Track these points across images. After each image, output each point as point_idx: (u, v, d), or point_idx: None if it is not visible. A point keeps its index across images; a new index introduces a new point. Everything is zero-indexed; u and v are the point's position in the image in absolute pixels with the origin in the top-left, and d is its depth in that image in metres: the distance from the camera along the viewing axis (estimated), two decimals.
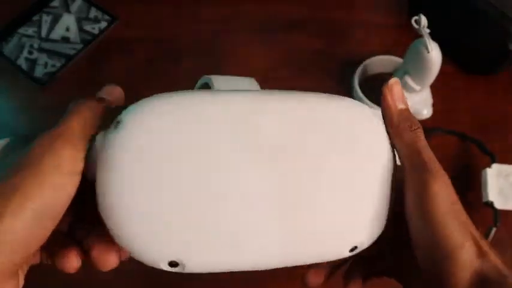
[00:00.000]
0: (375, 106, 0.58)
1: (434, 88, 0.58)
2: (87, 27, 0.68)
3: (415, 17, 0.48)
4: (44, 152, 0.24)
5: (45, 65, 0.64)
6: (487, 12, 0.55)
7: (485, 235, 0.51)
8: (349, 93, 0.62)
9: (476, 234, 0.26)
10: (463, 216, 0.26)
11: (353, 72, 0.61)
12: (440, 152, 0.56)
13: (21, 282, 0.24)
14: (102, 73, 0.65)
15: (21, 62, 0.65)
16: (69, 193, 0.23)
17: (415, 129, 0.27)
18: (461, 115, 0.61)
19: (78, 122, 0.26)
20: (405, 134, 0.27)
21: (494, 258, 0.26)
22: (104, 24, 0.68)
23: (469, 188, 0.56)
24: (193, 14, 0.69)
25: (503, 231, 0.53)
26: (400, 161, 0.26)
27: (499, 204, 0.52)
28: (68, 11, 0.69)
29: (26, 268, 0.25)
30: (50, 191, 0.22)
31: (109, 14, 0.69)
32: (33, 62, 0.65)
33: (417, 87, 0.55)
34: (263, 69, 0.64)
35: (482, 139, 0.58)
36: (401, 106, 0.28)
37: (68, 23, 0.68)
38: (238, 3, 0.70)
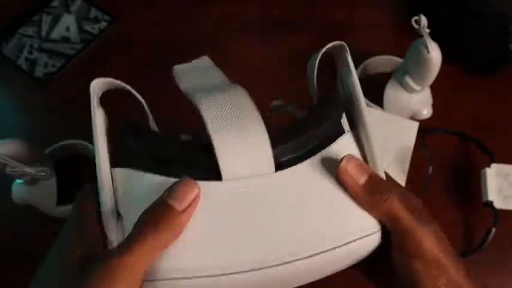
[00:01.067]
0: (375, 106, 0.58)
1: (434, 88, 0.58)
2: (87, 27, 0.68)
3: (415, 17, 0.48)
4: None
5: (45, 65, 0.64)
6: (487, 12, 0.55)
7: (485, 235, 0.52)
8: None
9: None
10: (445, 261, 0.27)
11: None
12: (440, 152, 0.57)
13: None
14: (102, 73, 0.64)
15: (21, 62, 0.65)
16: None
17: (386, 199, 0.26)
18: (461, 115, 0.61)
19: (141, 254, 0.22)
20: (378, 207, 0.26)
21: None
22: (103, 24, 0.68)
23: (468, 188, 0.56)
24: (194, 14, 0.69)
25: (503, 231, 0.53)
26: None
27: (498, 204, 0.52)
28: (68, 11, 0.69)
29: None
30: None
31: (109, 14, 0.69)
32: (33, 62, 0.65)
33: (417, 87, 0.55)
34: (263, 69, 0.64)
35: (482, 139, 0.58)
36: (362, 180, 0.26)
37: (68, 23, 0.68)
38: (239, 3, 0.70)
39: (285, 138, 0.27)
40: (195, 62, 0.31)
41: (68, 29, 0.67)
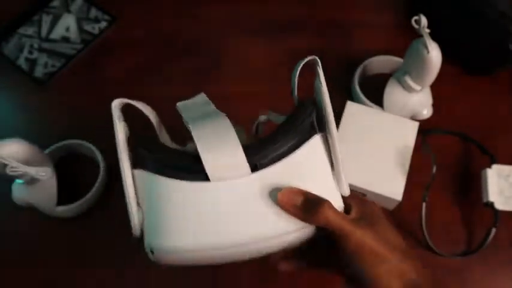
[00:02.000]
0: (375, 106, 0.58)
1: (434, 88, 0.58)
2: (87, 27, 0.68)
3: (415, 17, 0.48)
4: None
5: (45, 64, 0.64)
6: (487, 12, 0.55)
7: (485, 235, 0.52)
8: (349, 93, 0.62)
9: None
10: (383, 248, 0.32)
11: (353, 72, 0.61)
12: (440, 152, 0.57)
13: None
14: (102, 73, 0.65)
15: (21, 62, 0.65)
16: None
17: (320, 212, 0.32)
18: (461, 115, 0.61)
19: None
20: (315, 219, 0.32)
21: None
22: (103, 24, 0.68)
23: (469, 189, 0.56)
24: (193, 14, 0.69)
25: (503, 231, 0.53)
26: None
27: (499, 205, 0.52)
28: (68, 11, 0.69)
29: None
30: None
31: (109, 14, 0.69)
32: (33, 62, 0.65)
33: (417, 87, 0.55)
34: (263, 69, 0.64)
35: (482, 139, 0.58)
36: (299, 201, 0.32)
37: (68, 23, 0.68)
38: (238, 3, 0.70)
39: (264, 143, 0.34)
40: (194, 99, 0.39)
41: (68, 29, 0.67)
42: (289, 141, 0.34)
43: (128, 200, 0.34)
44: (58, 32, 0.67)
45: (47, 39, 0.67)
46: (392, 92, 0.57)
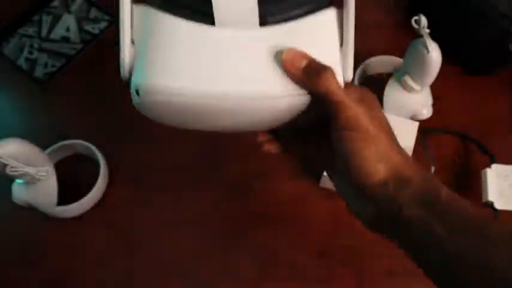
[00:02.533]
0: None
1: (435, 88, 0.58)
2: (87, 27, 0.68)
3: (415, 17, 0.48)
4: None
5: (45, 65, 0.64)
6: (487, 12, 0.55)
7: None
8: None
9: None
10: (375, 133, 0.31)
11: (353, 72, 0.61)
12: (440, 152, 0.57)
13: None
14: (102, 73, 0.65)
15: (22, 62, 0.65)
16: None
17: (323, 77, 0.31)
18: (461, 115, 0.61)
19: None
20: (317, 83, 0.31)
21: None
22: (104, 24, 0.68)
23: (469, 188, 0.56)
24: None
25: None
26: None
27: (499, 205, 0.52)
28: (68, 11, 0.69)
29: None
30: None
31: (109, 14, 0.69)
32: (33, 62, 0.65)
33: (417, 87, 0.55)
34: None
35: (482, 139, 0.58)
36: (303, 64, 0.31)
37: (68, 23, 0.68)
38: None
39: (275, 0, 0.32)
40: None
41: (68, 29, 0.67)
42: (305, 5, 0.33)
43: (121, 33, 0.32)
44: (58, 32, 0.67)
45: (47, 39, 0.67)
46: (392, 92, 0.57)
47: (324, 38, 0.34)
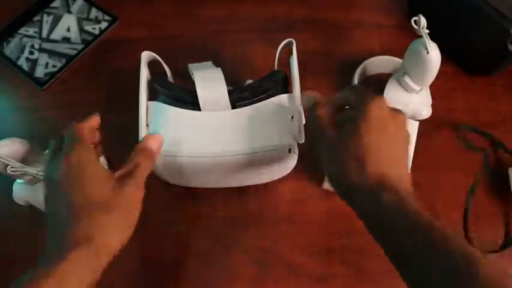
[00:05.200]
0: None
1: (434, 88, 0.58)
2: (88, 27, 0.68)
3: (415, 18, 0.49)
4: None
5: (46, 65, 0.65)
6: (487, 12, 0.55)
7: None
8: None
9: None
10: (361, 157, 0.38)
11: (353, 72, 0.61)
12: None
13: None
14: (103, 73, 0.65)
15: (22, 62, 0.65)
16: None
17: (320, 109, 0.42)
18: (460, 115, 0.61)
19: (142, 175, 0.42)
20: (312, 114, 0.43)
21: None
22: (104, 25, 0.68)
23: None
24: (193, 14, 0.69)
25: None
26: None
27: None
28: (69, 11, 0.69)
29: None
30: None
31: (109, 15, 0.69)
32: (34, 62, 0.65)
33: (417, 87, 0.55)
34: (263, 69, 0.64)
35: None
36: (311, 103, 0.44)
37: (68, 24, 0.68)
38: (238, 3, 0.70)
39: (242, 90, 0.49)
40: (202, 63, 0.53)
41: (68, 29, 0.68)
42: (262, 93, 0.49)
43: (140, 121, 0.47)
44: (59, 33, 0.67)
45: (48, 40, 0.67)
46: (392, 92, 0.57)
47: (279, 114, 0.48)
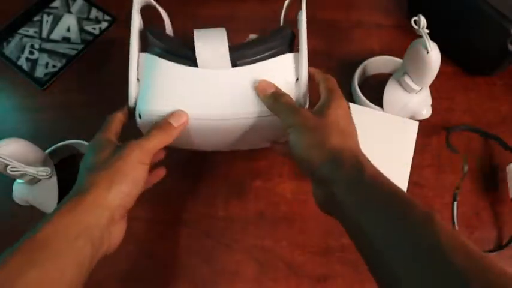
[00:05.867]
0: (375, 106, 0.58)
1: (434, 88, 0.58)
2: (88, 27, 0.68)
3: (415, 18, 0.49)
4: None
5: (46, 65, 0.65)
6: (487, 12, 0.55)
7: None
8: (349, 93, 0.62)
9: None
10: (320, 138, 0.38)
11: (353, 72, 0.61)
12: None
13: (125, 224, 0.41)
14: (103, 73, 0.65)
15: (22, 62, 0.65)
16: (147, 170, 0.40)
17: (281, 97, 0.41)
18: (460, 115, 0.61)
19: (150, 143, 0.40)
20: (277, 102, 0.41)
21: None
22: (104, 25, 0.68)
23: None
24: (194, 13, 0.69)
25: None
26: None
27: None
28: (69, 11, 0.69)
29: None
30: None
31: (109, 15, 0.69)
32: (34, 62, 0.65)
33: (417, 87, 0.55)
34: None
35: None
36: (271, 90, 0.42)
37: (68, 24, 0.68)
38: (239, 2, 0.70)
39: (246, 47, 0.44)
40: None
41: (68, 29, 0.68)
42: (266, 51, 0.44)
43: (130, 74, 0.43)
44: (59, 33, 0.67)
45: (48, 40, 0.67)
46: (392, 92, 0.57)
47: (282, 75, 0.44)
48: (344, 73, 0.63)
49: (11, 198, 0.54)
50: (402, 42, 0.58)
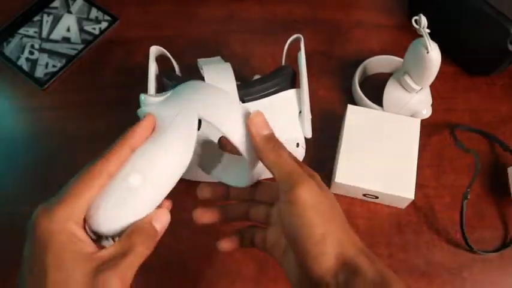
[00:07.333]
0: (375, 105, 0.58)
1: (434, 88, 0.58)
2: (88, 27, 0.68)
3: (415, 17, 0.49)
4: None
5: (46, 65, 0.65)
6: (487, 12, 0.55)
7: None
8: (349, 93, 0.62)
9: (343, 228, 0.32)
10: (328, 213, 0.31)
11: (353, 72, 0.61)
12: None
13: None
14: (103, 73, 0.65)
15: (22, 63, 0.65)
16: None
17: (277, 149, 0.32)
18: (460, 115, 0.61)
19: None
20: (269, 155, 0.32)
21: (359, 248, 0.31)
22: (104, 25, 0.68)
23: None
24: (193, 14, 0.69)
25: None
26: (272, 175, 0.32)
27: None
28: (69, 11, 0.69)
29: None
30: None
31: (109, 15, 0.69)
32: (34, 62, 0.65)
33: (417, 87, 0.55)
34: (263, 69, 0.64)
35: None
36: (266, 132, 0.33)
37: (68, 24, 0.68)
38: (238, 3, 0.70)
39: (251, 85, 0.48)
40: (210, 58, 0.52)
41: (68, 30, 0.68)
42: (270, 87, 0.49)
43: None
44: (59, 33, 0.67)
45: (48, 40, 0.67)
46: (392, 92, 0.57)
47: (286, 109, 0.49)
48: (344, 73, 0.63)
49: (11, 198, 0.54)
50: (402, 42, 0.58)
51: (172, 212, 0.57)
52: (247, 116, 0.33)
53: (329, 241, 0.29)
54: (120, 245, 0.29)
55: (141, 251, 0.30)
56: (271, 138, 0.32)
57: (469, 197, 0.52)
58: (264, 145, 0.32)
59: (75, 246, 0.28)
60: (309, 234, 0.29)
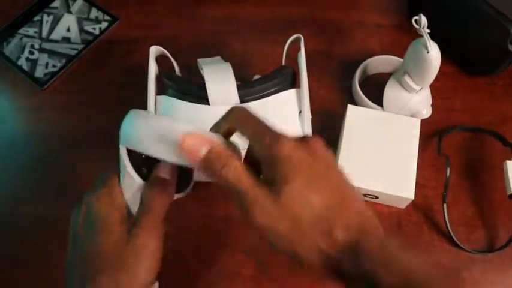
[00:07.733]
0: (375, 105, 0.58)
1: (434, 88, 0.58)
2: (88, 27, 0.68)
3: (415, 17, 0.49)
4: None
5: (46, 65, 0.65)
6: (487, 12, 0.55)
7: None
8: (349, 93, 0.62)
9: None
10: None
11: (353, 72, 0.61)
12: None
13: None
14: (103, 73, 0.65)
15: (22, 63, 0.65)
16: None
17: (222, 167, 0.30)
18: (460, 115, 0.61)
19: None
20: (219, 176, 0.30)
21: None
22: (104, 25, 0.68)
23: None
24: (193, 14, 0.69)
25: None
26: None
27: None
28: (69, 11, 0.69)
29: None
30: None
31: (109, 15, 0.69)
32: (34, 62, 0.65)
33: (417, 87, 0.55)
34: (263, 69, 0.64)
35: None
36: (203, 151, 0.30)
37: (68, 24, 0.68)
38: (239, 3, 0.70)
39: (251, 85, 0.49)
40: (210, 58, 0.53)
41: (68, 30, 0.68)
42: (270, 87, 0.49)
43: (149, 111, 0.48)
44: (59, 33, 0.67)
45: (48, 40, 0.67)
46: (392, 92, 0.57)
47: (287, 109, 0.49)
48: (344, 73, 0.63)
49: (11, 198, 0.54)
50: (402, 42, 0.58)
51: (173, 212, 0.57)
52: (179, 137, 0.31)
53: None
54: (141, 206, 0.35)
55: (158, 204, 0.35)
56: (214, 156, 0.30)
57: (447, 201, 0.53)
58: (209, 167, 0.30)
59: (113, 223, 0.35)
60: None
